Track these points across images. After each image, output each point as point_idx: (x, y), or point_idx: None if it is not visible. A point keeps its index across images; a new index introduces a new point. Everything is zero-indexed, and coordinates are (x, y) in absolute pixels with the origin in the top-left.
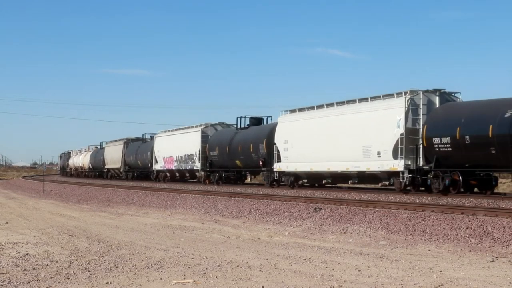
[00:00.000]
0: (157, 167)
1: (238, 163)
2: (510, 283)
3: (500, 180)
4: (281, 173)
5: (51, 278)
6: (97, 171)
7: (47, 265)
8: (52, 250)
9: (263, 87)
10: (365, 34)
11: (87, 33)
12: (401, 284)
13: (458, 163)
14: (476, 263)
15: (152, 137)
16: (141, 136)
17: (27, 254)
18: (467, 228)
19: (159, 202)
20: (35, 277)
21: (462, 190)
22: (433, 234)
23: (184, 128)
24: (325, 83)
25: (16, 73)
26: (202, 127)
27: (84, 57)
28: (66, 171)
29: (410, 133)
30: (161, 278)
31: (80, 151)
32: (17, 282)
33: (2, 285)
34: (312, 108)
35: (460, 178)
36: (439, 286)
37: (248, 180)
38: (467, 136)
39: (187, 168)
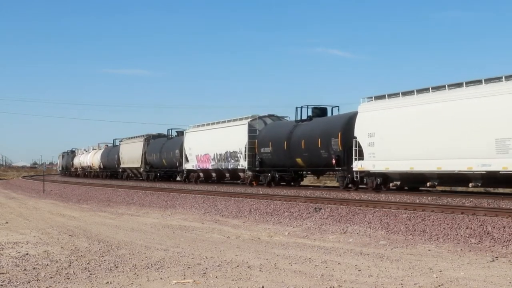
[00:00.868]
0: (188, 166)
1: (300, 162)
2: (510, 283)
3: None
4: (364, 173)
5: (51, 278)
6: (110, 171)
7: (47, 265)
8: (52, 250)
9: (263, 87)
10: (365, 34)
11: (87, 33)
12: (401, 284)
13: None
14: (476, 263)
15: (178, 133)
16: (166, 132)
17: (27, 254)
18: (467, 228)
19: (159, 202)
20: (35, 277)
21: None
22: (433, 234)
23: (224, 122)
24: (325, 83)
25: (16, 73)
26: (249, 120)
27: (84, 57)
28: (71, 171)
29: None
30: (161, 278)
31: (87, 150)
32: (17, 282)
33: (2, 285)
34: (409, 93)
35: None
36: (439, 286)
37: (304, 181)
38: None
39: (229, 167)
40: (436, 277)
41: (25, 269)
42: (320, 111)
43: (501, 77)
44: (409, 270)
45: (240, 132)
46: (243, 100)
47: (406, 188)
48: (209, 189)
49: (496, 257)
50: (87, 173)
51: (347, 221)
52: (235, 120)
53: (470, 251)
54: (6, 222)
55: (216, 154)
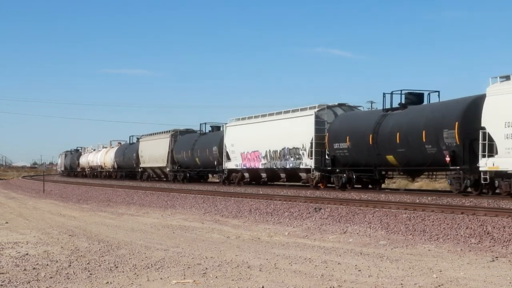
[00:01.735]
0: (230, 165)
1: (391, 160)
2: (510, 283)
3: None
4: (497, 174)
5: (51, 278)
6: (127, 171)
7: (47, 265)
8: (52, 250)
9: (263, 87)
10: (365, 33)
11: (87, 33)
12: (401, 284)
13: None
14: (476, 263)
15: (213, 128)
16: (196, 127)
17: (27, 254)
18: (467, 228)
19: (159, 202)
20: (35, 277)
21: None
22: (433, 234)
23: (280, 113)
24: (326, 83)
25: (16, 73)
26: (316, 110)
27: (84, 57)
28: (76, 171)
29: None
30: (161, 278)
31: (96, 148)
32: (17, 282)
33: (2, 285)
34: None
35: None
36: (439, 286)
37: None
38: None
39: (287, 166)
40: (436, 277)
41: (25, 269)
42: (415, 97)
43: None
44: (409, 270)
45: (304, 124)
46: (243, 100)
47: None
48: (209, 189)
49: (496, 257)
50: (97, 173)
51: (347, 221)
52: (295, 110)
53: (470, 251)
54: (6, 222)
55: (269, 151)
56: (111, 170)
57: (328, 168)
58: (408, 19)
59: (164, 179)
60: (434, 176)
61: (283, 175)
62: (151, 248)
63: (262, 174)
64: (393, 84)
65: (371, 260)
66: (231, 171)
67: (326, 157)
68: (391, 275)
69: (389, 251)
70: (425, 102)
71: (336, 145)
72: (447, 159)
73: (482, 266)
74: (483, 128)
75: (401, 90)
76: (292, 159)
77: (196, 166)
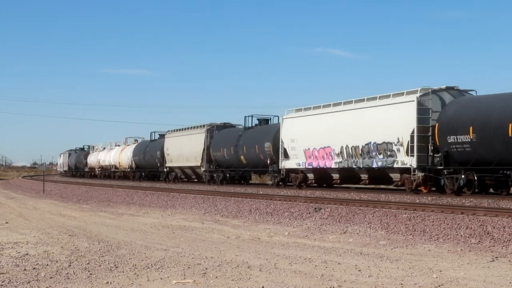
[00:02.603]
0: (288, 164)
1: None
2: (510, 283)
3: None
4: None
5: (51, 278)
6: (147, 171)
7: (47, 265)
8: (52, 250)
9: (263, 87)
10: (365, 33)
11: (87, 33)
12: (401, 284)
13: None
14: (476, 263)
15: (261, 121)
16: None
17: (27, 254)
18: (467, 228)
19: (159, 202)
20: (35, 277)
21: None
22: (433, 234)
23: (363, 100)
24: (326, 83)
25: (16, 73)
26: (418, 95)
27: (84, 57)
28: (82, 172)
29: None
30: (161, 278)
31: (108, 146)
32: (17, 282)
33: (2, 285)
34: None
35: None
36: (439, 286)
37: None
38: None
39: (373, 166)
40: (436, 277)
41: (25, 269)
42: None
43: None
44: (409, 270)
45: (401, 113)
46: (244, 100)
47: None
48: (209, 189)
49: (496, 257)
50: (109, 173)
51: (347, 221)
52: (385, 96)
53: (470, 251)
54: (6, 222)
55: (346, 147)
56: (128, 170)
57: (440, 168)
58: (408, 19)
59: (196, 180)
60: None
61: (364, 176)
62: (151, 248)
63: (333, 175)
64: (393, 84)
65: (371, 260)
66: (289, 171)
67: (431, 153)
68: (391, 275)
69: (389, 251)
70: None
71: (451, 138)
72: None
73: (482, 266)
74: None
75: None
76: (380, 156)
77: (241, 165)
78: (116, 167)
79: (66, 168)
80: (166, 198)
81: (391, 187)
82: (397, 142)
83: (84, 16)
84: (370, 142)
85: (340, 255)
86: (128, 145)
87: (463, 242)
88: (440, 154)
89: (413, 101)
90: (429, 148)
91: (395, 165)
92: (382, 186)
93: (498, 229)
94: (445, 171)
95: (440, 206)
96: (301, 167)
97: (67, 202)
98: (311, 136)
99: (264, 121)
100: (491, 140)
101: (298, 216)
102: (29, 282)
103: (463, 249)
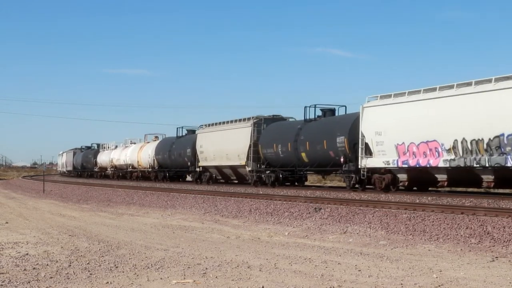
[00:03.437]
0: (372, 162)
1: None
2: (510, 283)
3: None
4: None
5: (51, 278)
6: (174, 171)
7: (47, 265)
8: (52, 250)
9: (263, 87)
10: (365, 33)
11: (88, 33)
12: (401, 284)
13: None
14: (476, 263)
15: (325, 112)
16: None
17: (27, 254)
18: (467, 228)
19: (159, 202)
20: (35, 277)
21: None
22: (433, 234)
23: (480, 82)
24: (326, 83)
25: (16, 73)
26: None
27: (84, 57)
28: (91, 172)
29: None
30: (161, 278)
31: (121, 145)
32: (17, 282)
33: (2, 285)
34: None
35: None
36: (439, 286)
37: None
38: None
39: (507, 164)
40: (436, 277)
41: (25, 269)
42: None
43: None
44: (409, 270)
45: None
46: (243, 100)
47: None
48: (209, 189)
49: (496, 257)
50: (124, 174)
51: (347, 221)
52: None
53: (470, 251)
54: (6, 222)
55: (462, 140)
56: (149, 170)
57: None
58: (408, 19)
59: (236, 181)
60: None
61: (488, 178)
62: (151, 248)
63: (438, 176)
64: (393, 84)
65: (371, 260)
66: (373, 170)
67: None
68: (391, 275)
69: (389, 251)
70: None
71: None
72: None
73: (482, 266)
74: None
75: None
76: None
77: (300, 164)
78: (133, 167)
79: (70, 168)
80: (166, 198)
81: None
82: None
83: (84, 16)
84: (501, 135)
85: (340, 255)
86: (148, 142)
87: (463, 242)
88: None
89: None
90: None
91: None
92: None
93: (498, 229)
94: None
95: (440, 206)
96: (390, 165)
97: (67, 202)
98: (406, 128)
99: (329, 112)
100: None
101: (298, 216)
102: (29, 282)
103: (463, 249)
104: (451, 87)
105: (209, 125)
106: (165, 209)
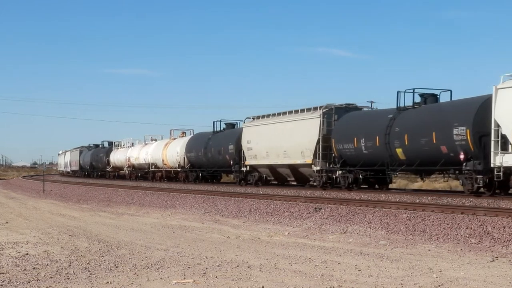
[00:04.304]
0: (510, 160)
1: None
2: (510, 283)
3: None
4: None
5: (51, 278)
6: (210, 171)
7: (47, 265)
8: (52, 250)
9: (264, 87)
10: (366, 33)
11: (88, 33)
12: (401, 284)
13: None
14: (476, 263)
15: (425, 97)
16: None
17: (27, 254)
18: (467, 228)
19: (159, 202)
20: (35, 277)
21: None
22: (433, 234)
23: None
24: (326, 83)
25: (17, 73)
26: None
27: (84, 57)
28: (102, 172)
29: None
30: (161, 278)
31: (137, 142)
32: (17, 282)
33: (2, 285)
34: None
35: None
36: (439, 286)
37: None
38: None
39: None
40: (436, 277)
41: (25, 269)
42: None
43: None
44: (409, 270)
45: None
46: (244, 100)
47: None
48: (209, 189)
49: (496, 257)
50: (144, 174)
51: (347, 221)
52: None
53: (470, 251)
54: (6, 222)
55: None
56: (177, 169)
57: None
58: (409, 19)
59: (294, 183)
60: None
61: None
62: (151, 248)
63: None
64: (393, 84)
65: (371, 260)
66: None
67: None
68: (391, 275)
69: (389, 251)
70: None
71: None
72: None
73: (482, 266)
74: None
75: None
76: None
77: (394, 162)
78: (156, 166)
79: (75, 168)
80: (166, 198)
81: None
82: None
83: (85, 16)
84: None
85: (340, 255)
86: (174, 138)
87: (463, 242)
88: None
89: None
90: None
91: None
92: None
93: (498, 229)
94: None
95: (440, 206)
96: None
97: (67, 202)
98: None
99: (431, 98)
100: None
101: (298, 216)
102: (29, 282)
103: (463, 249)
104: None
105: (258, 117)
106: (165, 209)
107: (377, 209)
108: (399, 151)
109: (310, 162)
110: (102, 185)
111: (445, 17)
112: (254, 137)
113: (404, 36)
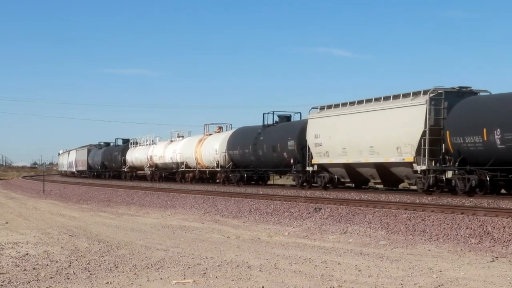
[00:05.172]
0: None
1: None
2: (510, 283)
3: None
4: None
5: (51, 278)
6: (262, 171)
7: (47, 265)
8: (52, 250)
9: (264, 87)
10: (366, 33)
11: (88, 33)
12: (401, 284)
13: None
14: (476, 263)
15: None
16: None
17: (27, 254)
18: (467, 228)
19: (159, 202)
20: (35, 277)
21: None
22: (433, 234)
23: None
24: (327, 83)
25: (17, 73)
26: None
27: (84, 57)
28: (119, 171)
29: None
30: (161, 278)
31: (168, 138)
32: (17, 282)
33: (2, 285)
34: None
35: None
36: (439, 286)
37: None
38: None
39: None
40: (436, 277)
41: (25, 269)
42: None
43: None
44: (409, 270)
45: None
46: (244, 100)
47: None
48: (209, 189)
49: (496, 257)
50: (169, 174)
51: (347, 221)
52: None
53: (470, 251)
54: (6, 222)
55: None
56: (216, 169)
57: None
58: (409, 19)
59: (379, 186)
60: None
61: None
62: (151, 248)
63: None
64: (393, 84)
65: (371, 260)
66: None
67: None
68: (391, 275)
69: (389, 251)
70: None
71: None
72: None
73: (482, 266)
74: None
75: None
76: None
77: None
78: (188, 166)
79: (82, 168)
80: (166, 198)
81: None
82: None
83: (85, 16)
84: None
85: (340, 255)
86: (210, 134)
87: (463, 242)
88: None
89: None
90: None
91: None
92: None
93: (498, 229)
94: None
95: (440, 206)
96: None
97: (67, 202)
98: None
99: None
100: None
101: (298, 216)
102: (29, 282)
103: (463, 249)
104: None
105: (329, 106)
106: (165, 209)
107: (377, 209)
108: None
109: (411, 160)
110: (102, 185)
111: (445, 17)
112: (325, 130)
113: (404, 36)
